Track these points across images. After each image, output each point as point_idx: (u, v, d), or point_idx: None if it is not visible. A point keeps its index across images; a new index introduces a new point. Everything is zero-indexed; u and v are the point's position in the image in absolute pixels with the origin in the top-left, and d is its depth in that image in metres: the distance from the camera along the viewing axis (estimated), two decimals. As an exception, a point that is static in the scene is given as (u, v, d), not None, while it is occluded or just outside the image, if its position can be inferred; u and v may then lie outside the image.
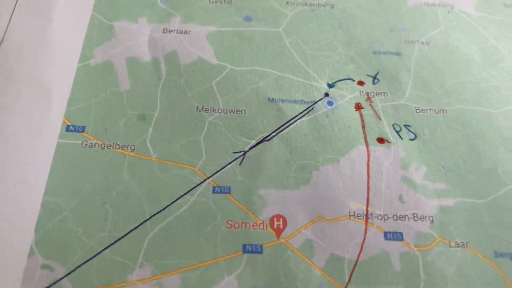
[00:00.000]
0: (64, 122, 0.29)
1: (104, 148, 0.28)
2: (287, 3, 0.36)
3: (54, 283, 0.24)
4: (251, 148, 0.29)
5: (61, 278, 0.24)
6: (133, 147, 0.29)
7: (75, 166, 0.28)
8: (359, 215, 0.27)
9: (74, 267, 0.25)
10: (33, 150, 0.28)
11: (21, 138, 0.28)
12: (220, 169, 0.28)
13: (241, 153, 0.29)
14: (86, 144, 0.28)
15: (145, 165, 0.28)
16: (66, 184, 0.27)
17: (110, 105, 0.30)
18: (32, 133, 0.28)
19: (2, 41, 0.31)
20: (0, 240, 0.25)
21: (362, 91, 0.32)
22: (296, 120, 0.30)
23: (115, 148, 0.28)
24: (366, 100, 0.32)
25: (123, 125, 0.29)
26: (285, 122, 0.30)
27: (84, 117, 0.29)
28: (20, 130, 0.28)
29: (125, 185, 0.27)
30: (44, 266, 0.24)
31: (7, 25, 0.32)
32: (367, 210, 0.27)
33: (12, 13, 0.32)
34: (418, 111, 0.31)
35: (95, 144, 0.29)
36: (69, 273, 0.24)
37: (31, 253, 0.25)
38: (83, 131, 0.29)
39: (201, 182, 0.28)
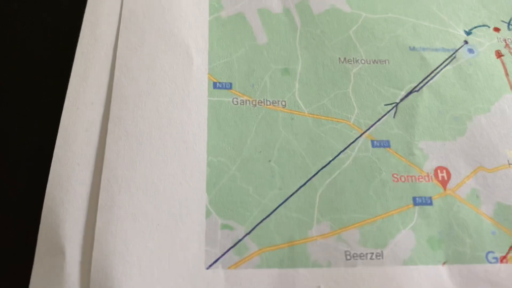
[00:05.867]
0: (209, 78, 0.28)
1: (255, 105, 0.28)
2: None
3: (237, 242, 0.24)
4: (402, 100, 0.28)
5: (244, 237, 0.24)
6: (283, 103, 0.28)
7: (231, 124, 0.27)
8: (518, 163, 0.27)
9: (253, 226, 0.25)
10: (186, 108, 0.27)
11: (171, 96, 0.27)
12: (375, 122, 0.28)
13: (393, 105, 0.28)
14: (237, 102, 0.28)
15: (299, 120, 0.27)
16: (226, 142, 0.26)
17: (251, 60, 0.29)
18: (180, 90, 0.27)
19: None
20: (176, 202, 0.24)
21: (500, 38, 0.31)
22: (441, 69, 0.30)
23: (266, 105, 0.28)
24: (505, 47, 0.31)
25: (268, 81, 0.28)
26: (430, 71, 0.29)
27: (229, 73, 0.28)
28: (167, 87, 0.27)
29: (284, 142, 0.27)
30: (223, 226, 0.24)
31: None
32: (525, 159, 0.27)
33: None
34: (558, 56, 0.31)
35: (246, 101, 0.28)
36: (249, 232, 0.24)
37: (208, 213, 0.25)
38: (230, 88, 0.28)
39: (358, 137, 0.27)
